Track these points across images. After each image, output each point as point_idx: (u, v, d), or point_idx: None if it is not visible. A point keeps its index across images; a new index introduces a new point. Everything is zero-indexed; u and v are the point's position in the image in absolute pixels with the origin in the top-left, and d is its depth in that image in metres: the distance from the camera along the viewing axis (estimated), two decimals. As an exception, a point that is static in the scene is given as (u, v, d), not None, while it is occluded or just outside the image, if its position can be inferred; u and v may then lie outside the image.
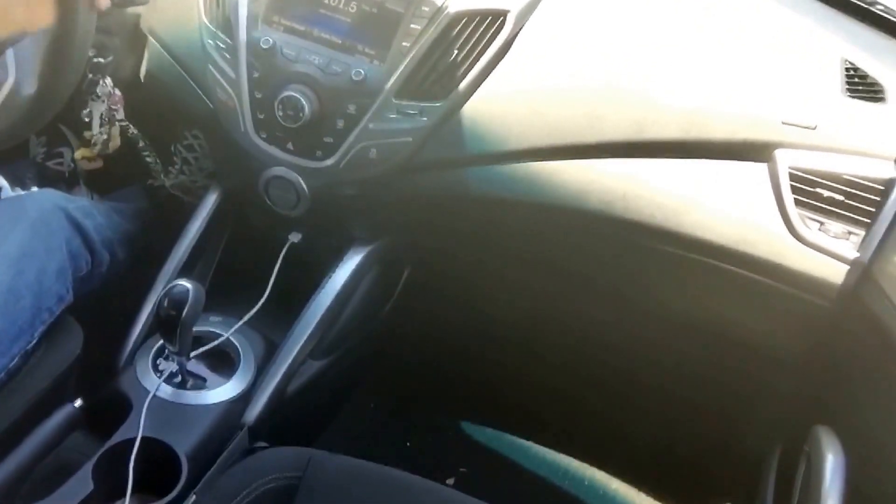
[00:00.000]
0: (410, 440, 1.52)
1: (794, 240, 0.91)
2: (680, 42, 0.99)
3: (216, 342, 1.01)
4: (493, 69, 0.97)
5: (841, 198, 0.90)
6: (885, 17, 1.09)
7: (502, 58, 0.97)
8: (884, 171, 0.90)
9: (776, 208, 0.92)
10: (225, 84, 1.01)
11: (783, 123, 0.92)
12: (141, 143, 1.18)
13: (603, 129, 0.96)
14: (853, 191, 0.90)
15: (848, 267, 0.89)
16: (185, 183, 1.20)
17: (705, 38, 1.00)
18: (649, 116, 0.95)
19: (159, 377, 0.95)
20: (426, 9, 0.95)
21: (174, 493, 0.85)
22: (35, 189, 1.12)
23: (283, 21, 0.99)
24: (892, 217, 0.88)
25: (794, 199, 0.91)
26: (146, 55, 1.13)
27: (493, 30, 0.96)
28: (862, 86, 0.96)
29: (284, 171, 1.02)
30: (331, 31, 0.98)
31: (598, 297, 1.15)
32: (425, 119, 0.97)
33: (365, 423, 1.50)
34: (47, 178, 1.18)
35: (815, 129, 0.92)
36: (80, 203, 1.05)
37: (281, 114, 0.98)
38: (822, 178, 0.90)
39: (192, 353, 0.97)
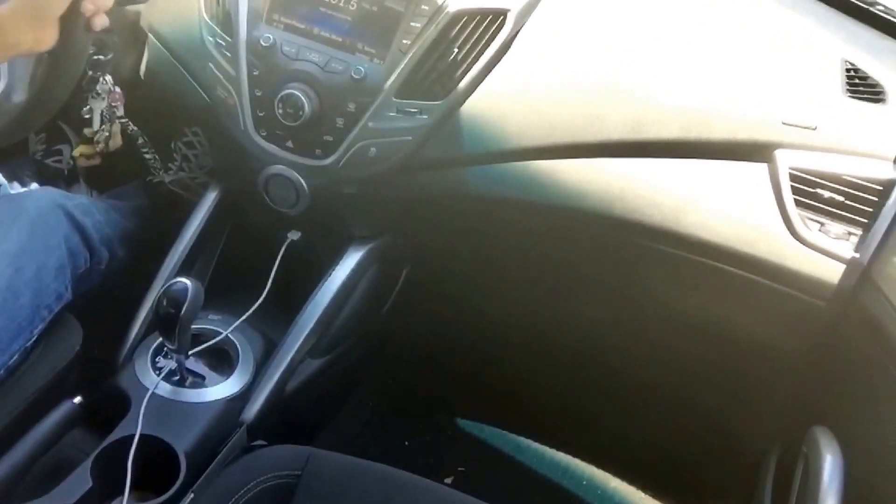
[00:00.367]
0: (409, 439, 1.52)
1: (794, 240, 0.91)
2: (680, 42, 0.99)
3: (215, 340, 1.01)
4: (493, 68, 0.97)
5: (841, 198, 0.90)
6: (886, 18, 1.09)
7: (502, 57, 0.97)
8: (884, 172, 0.90)
9: (776, 209, 0.92)
10: (225, 82, 1.01)
11: (783, 124, 0.92)
12: (140, 140, 1.18)
13: (603, 129, 0.96)
14: (853, 191, 0.90)
15: (848, 267, 0.89)
16: (184, 180, 1.20)
17: (706, 39, 1.00)
18: (649, 116, 0.95)
19: (158, 375, 0.95)
20: (426, 7, 0.95)
21: (172, 491, 0.85)
22: (35, 186, 1.12)
23: (283, 19, 0.99)
24: (892, 218, 0.88)
25: (795, 199, 0.91)
26: (146, 52, 1.13)
27: (493, 29, 0.96)
28: (862, 86, 0.96)
29: (284, 170, 1.02)
30: (331, 29, 0.98)
31: (597, 297, 1.15)
32: (425, 118, 0.97)
33: (363, 422, 1.50)
34: (46, 176, 1.18)
35: (815, 129, 0.92)
36: (80, 201, 1.05)
37: (281, 112, 0.98)
38: (823, 179, 0.90)
39: (191, 351, 0.97)
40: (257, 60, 0.99)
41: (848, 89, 0.95)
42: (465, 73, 0.96)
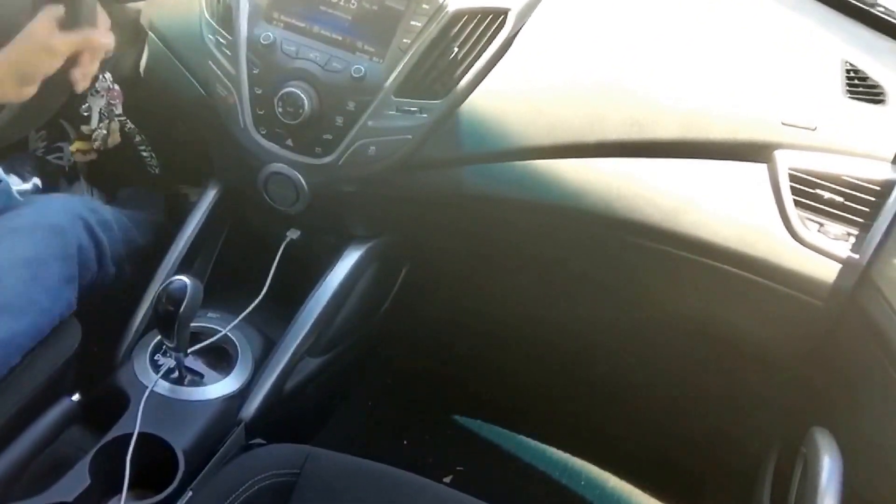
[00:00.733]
0: (407, 438, 1.52)
1: (794, 241, 0.91)
2: (681, 43, 0.99)
3: (214, 338, 1.01)
4: (493, 68, 0.97)
5: (840, 199, 0.90)
6: (886, 19, 1.09)
7: (502, 56, 0.97)
8: (883, 173, 0.90)
9: (775, 209, 0.92)
10: (225, 80, 1.01)
11: (783, 124, 0.92)
12: (137, 139, 1.18)
13: (603, 129, 0.95)
14: (852, 192, 0.90)
15: (847, 268, 0.89)
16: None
17: (706, 39, 1.00)
18: (649, 116, 0.95)
19: (157, 373, 0.95)
20: (426, 7, 0.95)
21: (170, 489, 0.85)
22: (35, 181, 1.12)
23: (283, 17, 0.99)
24: (891, 219, 0.88)
25: (794, 199, 0.91)
26: (146, 50, 1.12)
27: (493, 28, 0.96)
28: (862, 87, 0.96)
29: (284, 168, 1.02)
30: (331, 28, 0.98)
31: (596, 296, 1.15)
32: (425, 117, 0.96)
33: (362, 421, 1.50)
34: (47, 173, 1.18)
35: (815, 130, 0.92)
36: (102, 215, 1.05)
37: (281, 110, 0.98)
38: (822, 180, 0.90)
39: (190, 349, 0.97)
40: (257, 59, 0.99)
41: (848, 90, 0.95)
42: (466, 73, 0.96)
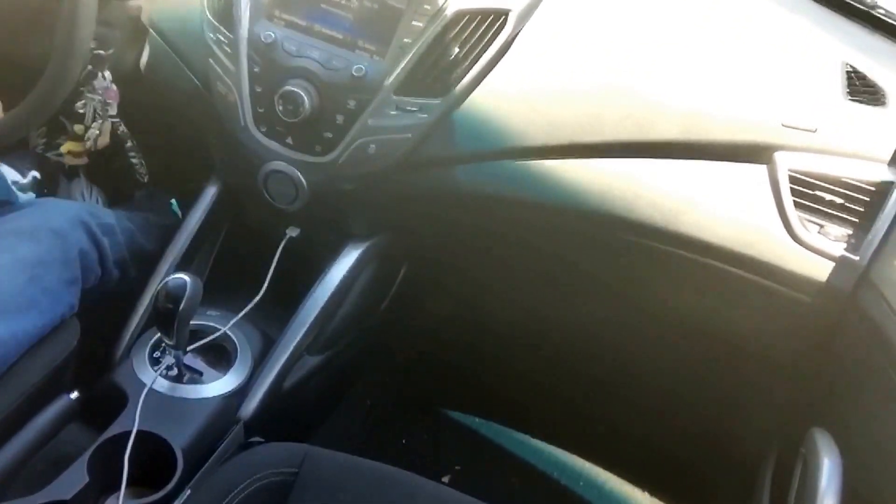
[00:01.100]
0: (406, 437, 1.52)
1: (793, 242, 0.91)
2: (681, 43, 0.99)
3: (213, 336, 1.01)
4: (494, 68, 0.97)
5: (840, 201, 0.90)
6: (886, 21, 1.09)
7: (503, 57, 0.97)
8: (883, 175, 0.90)
9: (775, 210, 0.92)
10: (225, 78, 1.00)
11: (783, 126, 0.92)
12: (129, 143, 1.17)
13: (603, 129, 0.95)
14: (852, 194, 0.90)
15: (847, 270, 0.89)
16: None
17: (707, 40, 1.00)
18: (650, 117, 0.95)
19: (156, 370, 0.95)
20: (427, 6, 0.94)
21: (169, 487, 0.85)
22: (34, 174, 1.12)
23: (284, 16, 0.99)
24: (891, 220, 0.88)
25: (794, 201, 0.91)
26: (146, 48, 1.12)
27: (494, 29, 0.95)
28: (862, 89, 0.96)
29: (284, 166, 1.02)
30: (332, 26, 0.98)
31: (595, 296, 1.15)
32: (425, 116, 0.96)
33: (361, 420, 1.50)
34: (47, 170, 1.18)
35: (815, 131, 0.92)
36: (103, 219, 1.06)
37: (281, 108, 0.97)
38: (822, 181, 0.90)
39: (189, 347, 0.97)
40: (258, 57, 0.99)
41: (848, 92, 0.95)
42: (466, 73, 0.96)
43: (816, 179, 0.90)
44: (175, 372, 0.96)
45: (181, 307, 0.86)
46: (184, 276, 0.87)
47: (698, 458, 1.30)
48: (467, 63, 0.96)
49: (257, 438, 0.97)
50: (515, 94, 0.97)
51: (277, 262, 1.06)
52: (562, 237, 1.05)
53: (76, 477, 0.84)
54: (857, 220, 0.90)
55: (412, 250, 1.20)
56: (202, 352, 1.01)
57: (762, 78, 0.96)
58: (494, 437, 1.54)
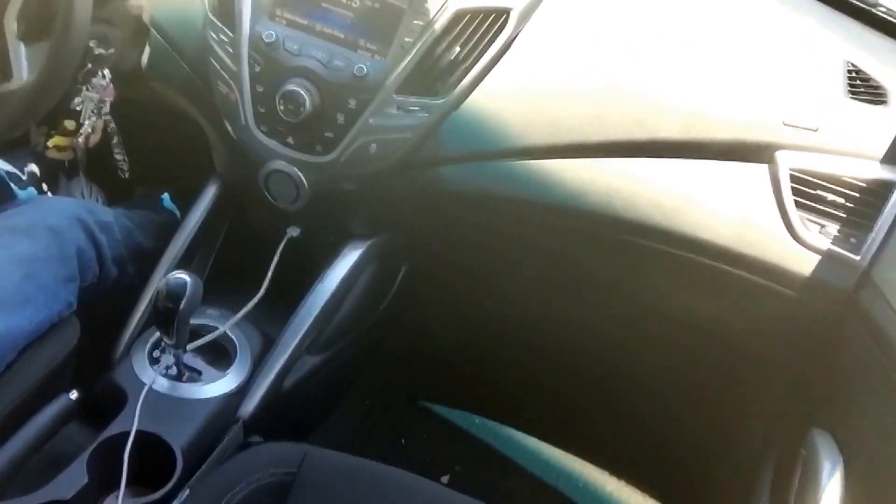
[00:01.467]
0: (405, 437, 1.52)
1: (794, 242, 0.91)
2: (682, 42, 0.99)
3: (213, 335, 1.01)
4: (495, 67, 0.97)
5: (841, 200, 0.90)
6: (888, 20, 1.09)
7: (504, 56, 0.97)
8: (884, 174, 0.89)
9: (776, 210, 0.92)
10: (226, 77, 1.00)
11: (785, 125, 0.92)
12: (115, 140, 1.17)
13: (604, 128, 0.95)
14: (854, 193, 0.90)
15: (848, 269, 0.89)
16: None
17: (708, 40, 1.00)
18: (651, 116, 0.95)
19: (155, 370, 0.95)
20: (429, 5, 0.94)
21: (168, 487, 0.85)
22: (33, 168, 1.12)
23: (285, 15, 0.99)
24: (893, 220, 0.88)
25: (795, 200, 0.91)
26: (147, 47, 1.12)
27: (495, 27, 0.95)
28: (864, 88, 0.96)
29: (284, 166, 1.02)
30: (333, 25, 0.98)
31: (596, 296, 1.15)
32: (426, 115, 0.96)
33: (360, 420, 1.50)
34: (47, 168, 1.18)
35: (816, 130, 0.92)
36: (101, 217, 1.06)
37: (282, 108, 0.97)
38: (823, 181, 0.90)
39: (189, 346, 0.97)
40: (259, 56, 0.99)
41: (849, 91, 0.95)
42: (467, 72, 0.96)
43: (818, 179, 0.90)
44: (174, 371, 0.96)
45: (181, 306, 0.86)
46: (184, 275, 0.87)
47: (698, 459, 1.30)
48: (468, 62, 0.96)
49: (257, 438, 0.97)
50: (516, 94, 0.97)
51: (278, 262, 1.06)
52: (563, 236, 1.05)
53: (75, 476, 0.84)
54: (858, 220, 0.90)
55: (413, 250, 1.20)
56: (202, 351, 1.01)
57: (763, 77, 0.96)
58: (494, 437, 1.54)
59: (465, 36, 0.95)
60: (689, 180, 0.94)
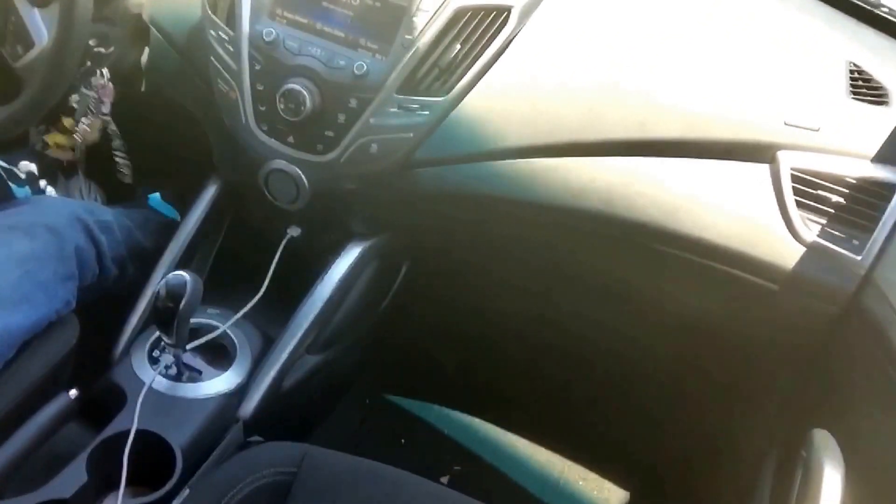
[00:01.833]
0: (405, 437, 1.52)
1: (796, 242, 0.90)
2: (684, 41, 0.99)
3: (213, 335, 1.01)
4: (496, 65, 0.96)
5: (843, 200, 0.90)
6: (890, 20, 1.09)
7: (504, 54, 0.96)
8: (886, 174, 0.89)
9: (777, 210, 0.91)
10: (226, 75, 1.00)
11: (786, 125, 0.92)
12: (116, 142, 1.17)
13: (604, 127, 0.95)
14: (855, 193, 0.89)
15: (849, 270, 0.89)
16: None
17: (709, 39, 1.00)
18: (652, 115, 0.94)
19: (155, 369, 0.95)
20: (429, 3, 0.94)
21: (168, 486, 0.85)
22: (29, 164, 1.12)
23: (286, 14, 0.99)
24: (894, 221, 0.88)
25: (796, 200, 0.90)
26: (147, 46, 1.12)
27: (496, 25, 0.95)
28: (866, 88, 0.96)
29: (285, 165, 1.02)
30: (334, 24, 0.97)
31: (596, 296, 1.15)
32: (426, 114, 0.96)
33: (360, 419, 1.50)
34: (46, 167, 1.18)
35: (818, 131, 0.91)
36: (101, 217, 1.06)
37: (282, 107, 0.97)
38: (825, 181, 0.90)
39: (189, 346, 0.97)
40: (259, 55, 0.98)
41: (851, 91, 0.95)
42: (467, 71, 0.96)
43: (819, 179, 0.90)
44: (174, 371, 0.96)
45: (181, 305, 0.86)
46: (184, 275, 0.87)
47: (698, 459, 1.30)
48: (469, 61, 0.95)
49: (256, 438, 0.97)
50: (517, 93, 0.96)
51: (278, 262, 1.06)
52: (562, 236, 1.05)
53: (75, 475, 0.84)
54: (859, 220, 0.90)
55: (413, 250, 1.20)
56: (202, 350, 1.01)
57: (765, 76, 0.96)
58: (493, 437, 1.54)
59: (466, 34, 0.95)
60: (690, 180, 0.94)
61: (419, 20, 0.94)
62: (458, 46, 0.95)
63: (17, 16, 1.00)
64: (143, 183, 1.25)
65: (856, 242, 0.89)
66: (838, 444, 0.86)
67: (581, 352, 1.27)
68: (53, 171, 1.19)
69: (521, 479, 1.50)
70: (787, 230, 0.91)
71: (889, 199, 0.89)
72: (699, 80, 0.95)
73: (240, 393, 0.98)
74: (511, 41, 0.96)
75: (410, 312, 1.31)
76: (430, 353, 1.44)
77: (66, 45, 0.95)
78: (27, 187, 1.12)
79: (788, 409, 1.07)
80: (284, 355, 1.02)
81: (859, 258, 0.89)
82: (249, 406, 0.98)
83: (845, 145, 0.91)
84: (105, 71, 1.10)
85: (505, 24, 0.95)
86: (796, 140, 0.92)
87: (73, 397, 0.92)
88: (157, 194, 1.24)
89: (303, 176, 1.02)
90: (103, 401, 0.93)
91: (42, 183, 1.15)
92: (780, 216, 0.91)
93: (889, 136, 0.92)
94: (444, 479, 1.45)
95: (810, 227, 0.90)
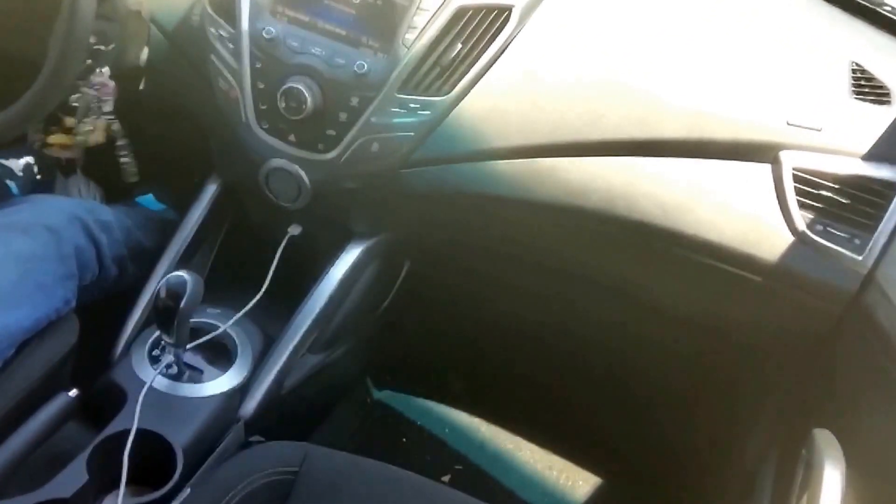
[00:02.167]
0: (406, 436, 1.52)
1: (797, 242, 0.90)
2: (686, 41, 0.99)
3: (213, 334, 1.01)
4: (496, 64, 0.96)
5: (845, 200, 0.90)
6: (893, 19, 1.09)
7: (505, 53, 0.96)
8: (888, 174, 0.89)
9: (779, 210, 0.91)
10: (227, 74, 1.00)
11: (788, 124, 0.92)
12: (120, 142, 1.16)
13: (606, 127, 0.95)
14: (857, 193, 0.89)
15: (851, 269, 0.89)
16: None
17: (711, 38, 1.00)
18: (653, 115, 0.94)
19: (155, 369, 0.95)
20: (430, 2, 0.94)
21: (169, 486, 0.85)
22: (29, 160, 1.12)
23: (287, 12, 0.98)
24: (896, 221, 0.88)
25: (798, 200, 0.90)
26: (147, 44, 1.12)
27: (497, 25, 0.95)
28: (868, 88, 0.95)
29: (286, 164, 1.01)
30: (335, 22, 0.97)
31: (597, 296, 1.15)
32: (427, 113, 0.96)
33: (361, 419, 1.50)
34: (44, 166, 1.17)
35: (820, 130, 0.91)
36: (101, 216, 1.05)
37: (283, 105, 0.97)
38: (827, 181, 0.90)
39: (189, 345, 0.97)
40: (260, 53, 0.98)
41: (854, 91, 0.95)
42: (468, 70, 0.95)
43: (821, 179, 0.90)
44: (175, 370, 0.96)
45: (182, 304, 0.86)
46: (184, 274, 0.87)
47: (699, 459, 1.29)
48: (470, 60, 0.95)
49: (257, 437, 0.97)
50: (518, 92, 0.96)
51: (279, 261, 1.05)
52: (563, 236, 1.05)
53: (75, 475, 0.83)
54: (861, 220, 0.90)
55: (414, 249, 1.20)
56: (202, 350, 1.00)
57: (767, 76, 0.95)
58: (494, 437, 1.54)
59: (467, 33, 0.94)
60: (692, 180, 0.94)
61: (420, 19, 0.94)
62: (459, 46, 0.95)
63: None
64: (143, 182, 1.25)
65: (857, 242, 0.89)
66: (840, 444, 0.86)
67: (582, 351, 1.27)
68: (52, 169, 1.19)
69: (521, 479, 1.49)
70: (788, 230, 0.91)
71: (891, 199, 0.89)
72: (701, 80, 0.95)
73: (241, 392, 0.98)
74: (512, 40, 0.96)
75: (411, 312, 1.31)
76: (432, 353, 1.44)
77: (68, 50, 0.95)
78: (25, 186, 1.11)
79: (790, 408, 1.07)
80: (285, 355, 1.01)
81: (861, 258, 0.89)
82: (250, 405, 0.98)
83: (847, 145, 0.91)
84: (105, 70, 1.10)
85: (506, 24, 0.95)
86: (798, 140, 0.92)
87: (73, 397, 0.92)
88: (150, 195, 1.24)
89: (304, 175, 1.01)
90: (103, 400, 0.92)
91: (38, 178, 1.15)
92: (781, 216, 0.91)
93: (885, 133, 0.92)
94: (446, 479, 1.45)
95: (812, 227, 0.90)
